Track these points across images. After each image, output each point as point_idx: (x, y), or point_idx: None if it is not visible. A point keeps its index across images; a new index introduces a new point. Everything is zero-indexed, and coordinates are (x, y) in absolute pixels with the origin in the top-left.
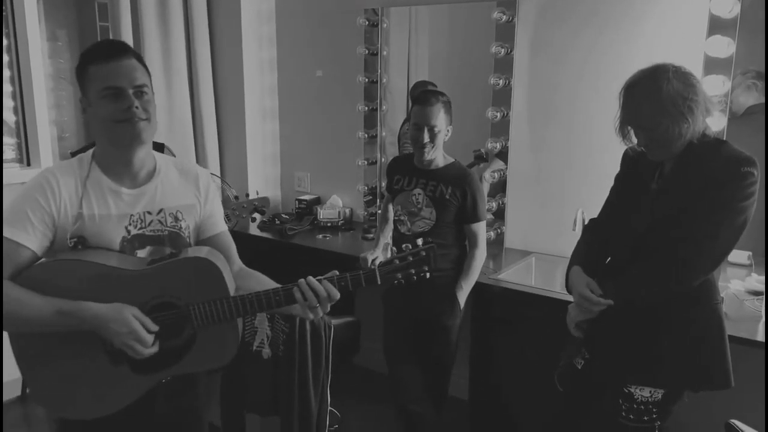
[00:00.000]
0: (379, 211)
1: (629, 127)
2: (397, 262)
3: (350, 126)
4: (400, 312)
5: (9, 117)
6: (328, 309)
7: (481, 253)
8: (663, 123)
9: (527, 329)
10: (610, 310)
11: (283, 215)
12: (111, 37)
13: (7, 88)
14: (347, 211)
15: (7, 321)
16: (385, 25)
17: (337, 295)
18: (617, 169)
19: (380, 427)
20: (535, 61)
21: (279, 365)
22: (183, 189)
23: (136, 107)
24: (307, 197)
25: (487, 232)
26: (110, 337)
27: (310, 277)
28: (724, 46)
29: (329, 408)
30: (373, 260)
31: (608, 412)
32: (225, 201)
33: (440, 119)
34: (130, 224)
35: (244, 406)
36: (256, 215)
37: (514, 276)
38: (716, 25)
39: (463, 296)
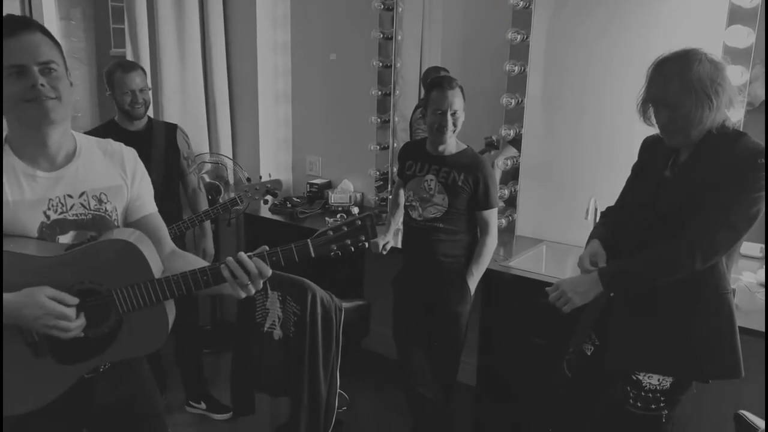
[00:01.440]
0: (390, 197)
1: (651, 106)
2: (331, 233)
3: (363, 110)
4: (410, 297)
5: None
6: (261, 286)
7: (492, 240)
8: (687, 103)
9: (536, 317)
10: (620, 297)
11: (295, 198)
12: (126, 19)
13: None
14: (358, 195)
15: None
16: (400, 9)
17: (269, 271)
18: (631, 158)
19: (388, 411)
20: (551, 48)
21: (290, 346)
22: (107, 170)
23: (42, 85)
24: (318, 181)
25: (498, 219)
26: (29, 324)
27: (241, 253)
28: (743, 36)
29: (338, 390)
30: (384, 245)
31: (616, 399)
32: (237, 183)
33: (459, 104)
34: (49, 209)
35: (254, 386)
36: (269, 197)
37: (525, 264)
38: (736, 15)
39: (473, 283)
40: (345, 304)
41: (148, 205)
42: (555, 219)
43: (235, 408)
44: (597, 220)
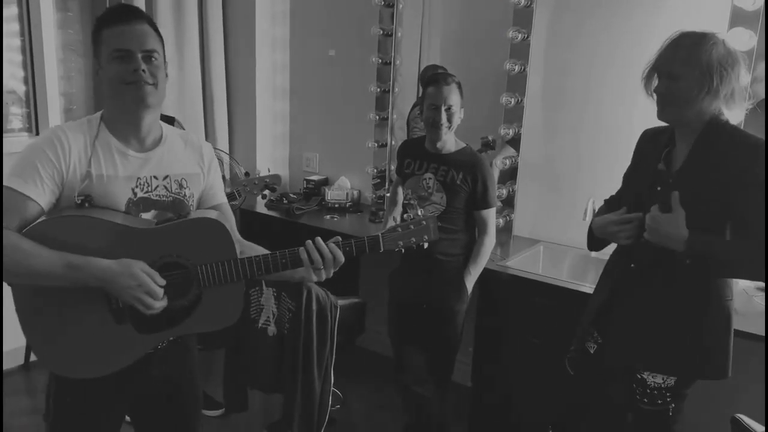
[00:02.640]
0: (388, 194)
1: (656, 75)
2: (400, 230)
3: (361, 107)
4: (407, 295)
5: (18, 87)
6: (332, 273)
7: (490, 240)
8: (689, 76)
9: (533, 317)
10: (624, 294)
11: (291, 194)
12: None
13: (18, 57)
14: (355, 192)
15: (15, 272)
16: (400, 6)
17: (342, 258)
18: (629, 159)
19: (382, 409)
20: (551, 47)
21: (284, 343)
22: (188, 158)
23: (143, 70)
24: (315, 177)
25: (496, 219)
26: (118, 292)
27: (318, 238)
28: (745, 39)
29: (332, 388)
30: None
31: (621, 396)
32: (234, 178)
33: (455, 99)
34: (137, 186)
35: (247, 382)
36: (267, 192)
37: (522, 264)
38: (738, 17)
39: (470, 282)
40: (340, 302)
41: (219, 194)
42: (553, 219)
43: (227, 404)
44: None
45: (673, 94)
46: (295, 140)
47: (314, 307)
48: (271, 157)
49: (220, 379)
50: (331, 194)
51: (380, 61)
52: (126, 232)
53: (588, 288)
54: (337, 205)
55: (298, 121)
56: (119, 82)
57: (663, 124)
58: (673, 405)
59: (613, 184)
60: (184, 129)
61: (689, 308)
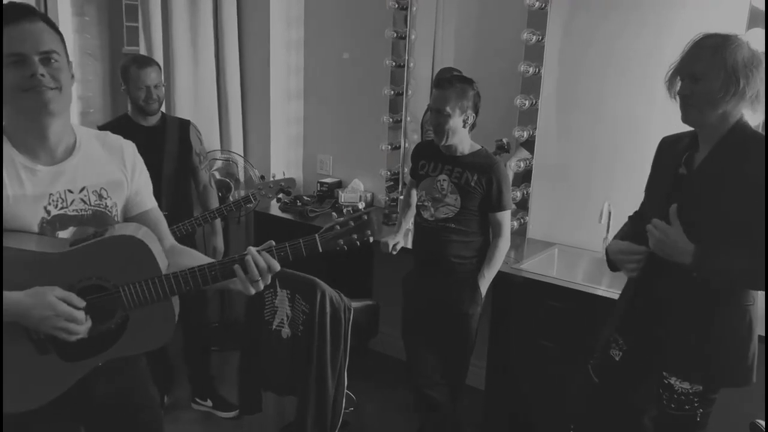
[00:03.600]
0: (401, 197)
1: (678, 78)
2: (338, 227)
3: (374, 110)
4: (420, 298)
5: None
6: (269, 281)
7: (504, 243)
8: (712, 77)
9: (548, 321)
10: (647, 302)
11: (305, 197)
12: (140, 16)
13: None
14: (368, 195)
15: None
16: (414, 8)
17: (277, 266)
18: (646, 161)
19: (395, 412)
20: (566, 49)
21: (298, 345)
22: (107, 164)
23: (42, 75)
24: (328, 180)
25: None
26: (36, 325)
27: (250, 248)
28: (763, 40)
29: (346, 390)
30: (394, 245)
31: (647, 402)
32: (247, 180)
33: (452, 104)
34: (49, 204)
35: (261, 384)
36: (281, 196)
37: (536, 266)
38: (757, 18)
39: (485, 285)
40: (354, 304)
41: (147, 200)
42: (568, 222)
43: (241, 406)
44: (610, 223)
45: (696, 96)
46: (309, 143)
47: (328, 309)
48: (284, 160)
49: (234, 381)
50: (345, 197)
51: (394, 63)
52: (38, 259)
53: (603, 291)
54: (350, 208)
55: (311, 124)
56: (16, 89)
57: (682, 129)
58: (701, 410)
59: (629, 186)
60: (199, 132)
61: (709, 315)
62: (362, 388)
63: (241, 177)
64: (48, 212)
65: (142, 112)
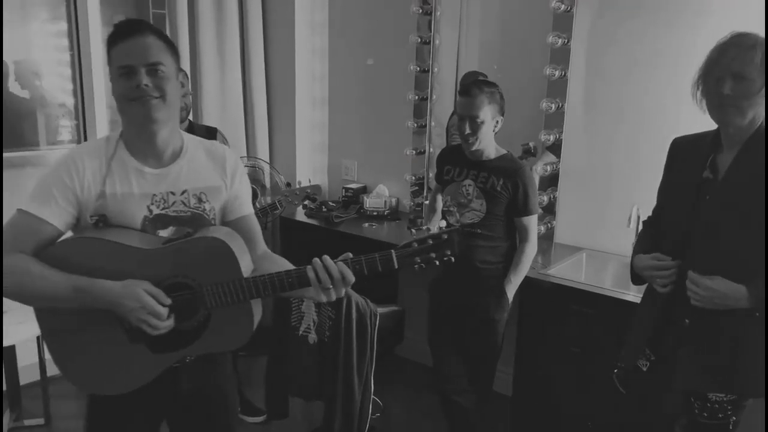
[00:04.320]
0: (426, 202)
1: (709, 79)
2: (416, 245)
3: (399, 115)
4: (446, 303)
5: (68, 100)
6: (342, 293)
7: (531, 248)
8: (756, 77)
9: (575, 326)
10: (675, 312)
11: (330, 203)
12: (167, 25)
13: (67, 71)
14: (393, 200)
15: (23, 294)
16: (438, 13)
17: (352, 278)
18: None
19: (422, 418)
20: (592, 52)
21: (324, 351)
22: (209, 171)
23: (146, 85)
24: (353, 185)
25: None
26: (125, 314)
27: (326, 257)
28: None
29: (372, 396)
30: None
31: (678, 412)
32: (274, 188)
33: (484, 110)
34: (152, 204)
35: (288, 389)
36: (307, 202)
37: (564, 272)
38: None
39: (511, 290)
40: (380, 310)
41: (245, 206)
42: (595, 226)
43: (269, 411)
44: (639, 228)
45: (737, 96)
46: (334, 149)
47: (354, 315)
48: (310, 166)
49: (262, 386)
50: (370, 202)
51: (418, 68)
52: (135, 253)
53: (632, 297)
54: (375, 213)
55: (336, 130)
56: (124, 98)
57: (694, 131)
58: (734, 418)
59: (657, 189)
60: (226, 140)
61: (743, 324)
62: (389, 394)
63: (267, 183)
64: (150, 211)
65: None
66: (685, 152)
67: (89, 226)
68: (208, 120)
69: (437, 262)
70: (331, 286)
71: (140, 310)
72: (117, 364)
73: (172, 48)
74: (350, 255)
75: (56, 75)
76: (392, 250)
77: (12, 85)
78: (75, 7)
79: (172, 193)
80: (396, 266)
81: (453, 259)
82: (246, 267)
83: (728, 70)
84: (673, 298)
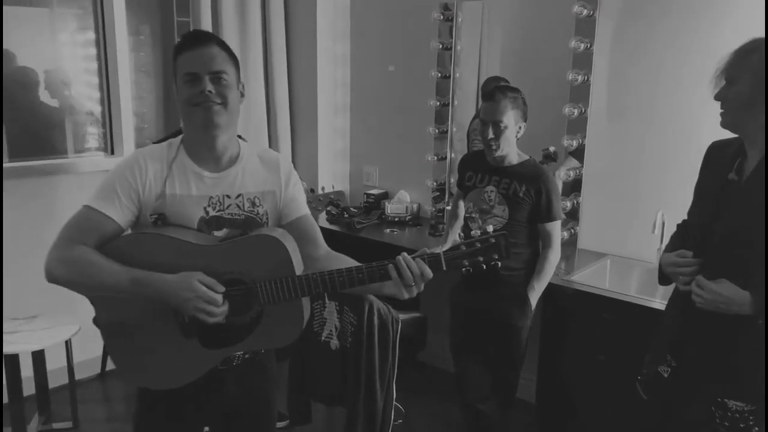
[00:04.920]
0: (447, 208)
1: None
2: (464, 248)
3: (420, 121)
4: (469, 310)
5: (95, 108)
6: (422, 288)
7: (555, 254)
8: (741, 82)
9: (600, 333)
10: (697, 319)
11: (352, 209)
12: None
13: (95, 79)
14: (415, 206)
15: (87, 284)
16: (459, 19)
17: (430, 273)
18: (698, 169)
19: (444, 425)
20: (616, 56)
21: (346, 357)
22: (263, 176)
23: (209, 91)
24: (375, 191)
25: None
26: (180, 305)
27: (404, 254)
28: None
29: (394, 402)
30: None
31: (700, 420)
32: None
33: (508, 115)
34: (209, 206)
35: (310, 395)
36: (330, 208)
37: (588, 278)
38: None
39: (534, 297)
40: (402, 316)
41: (302, 207)
42: (619, 232)
43: (291, 416)
44: (664, 233)
45: (728, 100)
46: (356, 155)
47: (376, 321)
48: (331, 172)
49: (284, 391)
50: (391, 208)
51: (439, 74)
52: (191, 249)
53: (658, 303)
54: (396, 219)
55: (358, 136)
56: (188, 104)
57: (719, 137)
58: (757, 428)
59: (682, 195)
60: None
61: (758, 335)
62: (411, 400)
63: None
64: (207, 212)
65: None
66: (717, 154)
67: (149, 224)
68: None
69: (484, 266)
70: (413, 283)
71: (196, 299)
72: (169, 358)
73: (234, 59)
74: (426, 250)
75: (84, 84)
76: (441, 252)
77: (42, 94)
78: (102, 16)
79: (228, 197)
80: (444, 268)
81: (500, 264)
82: (297, 264)
83: (723, 74)
84: (693, 303)
